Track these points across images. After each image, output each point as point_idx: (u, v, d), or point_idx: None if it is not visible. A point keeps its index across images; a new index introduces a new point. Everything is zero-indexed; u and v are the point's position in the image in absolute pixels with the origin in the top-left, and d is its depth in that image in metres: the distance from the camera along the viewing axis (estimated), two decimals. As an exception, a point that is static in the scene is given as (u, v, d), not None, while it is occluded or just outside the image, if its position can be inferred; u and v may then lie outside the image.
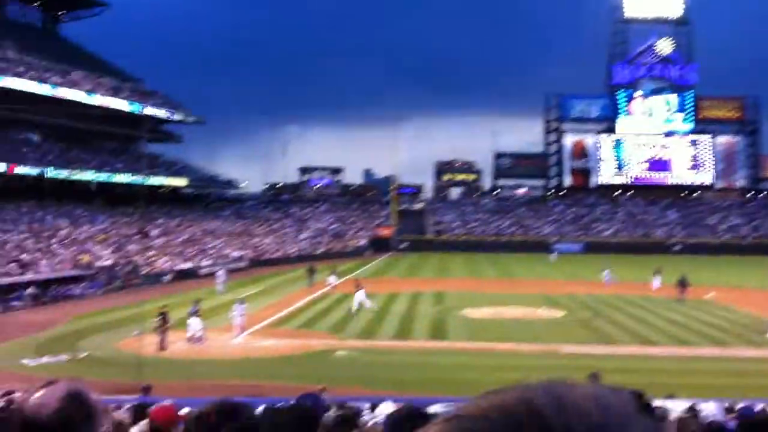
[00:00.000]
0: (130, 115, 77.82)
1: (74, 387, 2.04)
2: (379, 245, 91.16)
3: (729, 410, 10.21)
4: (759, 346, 28.37)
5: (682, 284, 41.25)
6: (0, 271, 44.20)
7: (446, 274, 61.59)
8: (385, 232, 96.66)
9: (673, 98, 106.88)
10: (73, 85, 72.58)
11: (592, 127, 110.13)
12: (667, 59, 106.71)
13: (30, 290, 42.70)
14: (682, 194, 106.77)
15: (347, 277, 46.70)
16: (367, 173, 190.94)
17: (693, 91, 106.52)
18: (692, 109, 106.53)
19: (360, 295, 36.98)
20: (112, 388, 19.96)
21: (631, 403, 0.82)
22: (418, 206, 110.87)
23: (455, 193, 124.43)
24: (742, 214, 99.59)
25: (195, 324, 29.22)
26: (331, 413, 7.40)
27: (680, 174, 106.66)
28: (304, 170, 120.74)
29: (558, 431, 0.76)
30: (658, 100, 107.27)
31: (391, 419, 3.06)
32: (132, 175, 75.45)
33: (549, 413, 0.77)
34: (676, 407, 11.03)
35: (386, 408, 7.59)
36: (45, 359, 26.25)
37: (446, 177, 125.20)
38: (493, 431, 0.77)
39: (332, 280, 47.49)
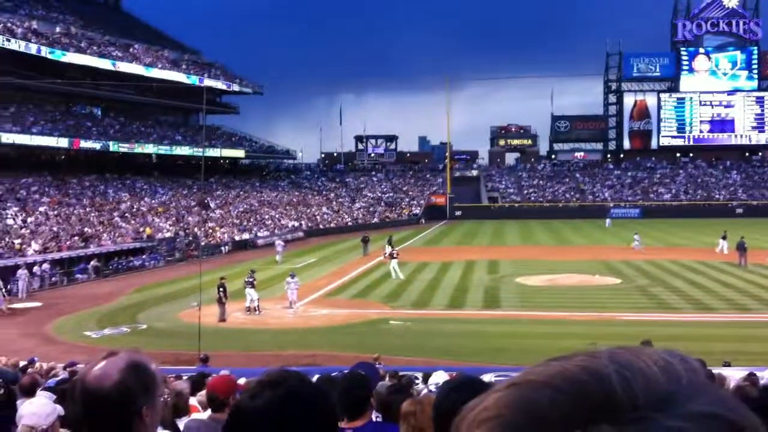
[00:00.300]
0: (188, 88, 78.74)
1: (134, 358, 2.14)
2: (433, 213, 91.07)
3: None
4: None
5: (741, 248, 40.17)
6: (64, 245, 45.46)
7: (501, 242, 61.24)
8: (439, 199, 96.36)
9: (738, 54, 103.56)
10: (133, 59, 73.78)
11: (653, 86, 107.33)
12: (733, 13, 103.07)
13: (93, 263, 43.79)
14: (746, 155, 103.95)
15: (401, 247, 46.90)
16: (422, 140, 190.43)
17: (757, 47, 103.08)
18: (757, 65, 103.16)
19: (395, 263, 38.55)
20: (172, 358, 20.49)
21: (700, 372, 0.78)
22: (473, 173, 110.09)
23: (511, 158, 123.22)
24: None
25: (251, 294, 29.74)
26: (385, 382, 7.54)
27: (744, 134, 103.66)
28: (359, 139, 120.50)
29: (623, 400, 0.72)
30: (722, 56, 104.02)
31: (446, 387, 3.11)
32: (191, 148, 76.53)
33: (614, 381, 0.73)
34: (734, 375, 10.90)
35: (439, 377, 7.67)
36: (107, 331, 27.06)
37: (501, 143, 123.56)
38: (555, 400, 0.73)
39: (388, 249, 47.75)
